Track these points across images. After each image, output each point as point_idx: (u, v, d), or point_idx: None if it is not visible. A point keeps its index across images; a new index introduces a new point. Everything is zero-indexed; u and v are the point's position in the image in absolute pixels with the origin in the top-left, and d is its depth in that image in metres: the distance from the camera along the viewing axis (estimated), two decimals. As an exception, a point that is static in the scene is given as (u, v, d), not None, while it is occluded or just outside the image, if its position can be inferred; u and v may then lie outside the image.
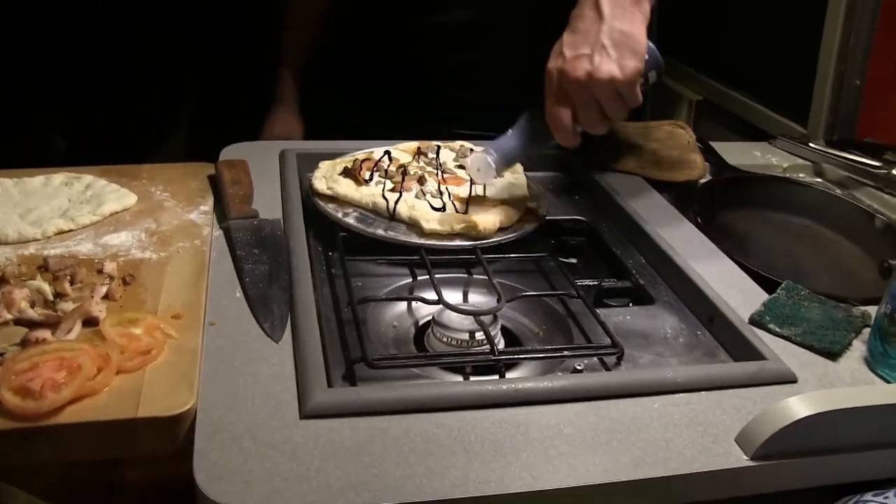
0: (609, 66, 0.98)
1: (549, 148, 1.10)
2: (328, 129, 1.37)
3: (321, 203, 1.08)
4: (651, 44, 1.04)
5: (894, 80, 1.51)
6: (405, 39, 1.47)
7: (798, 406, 0.74)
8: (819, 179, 1.46)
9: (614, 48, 0.99)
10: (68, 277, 0.89)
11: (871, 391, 0.83)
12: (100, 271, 0.92)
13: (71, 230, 1.03)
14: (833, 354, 0.90)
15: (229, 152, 1.25)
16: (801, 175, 1.46)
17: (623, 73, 0.99)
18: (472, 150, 1.22)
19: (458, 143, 1.24)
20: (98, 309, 0.83)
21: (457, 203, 1.06)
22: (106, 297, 0.88)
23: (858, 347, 0.92)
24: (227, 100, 2.01)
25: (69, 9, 1.91)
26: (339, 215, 1.06)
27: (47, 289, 0.87)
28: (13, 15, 1.78)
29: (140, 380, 0.75)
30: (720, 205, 1.25)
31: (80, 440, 0.71)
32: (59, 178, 1.15)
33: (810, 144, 1.50)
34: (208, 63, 2.08)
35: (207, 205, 1.10)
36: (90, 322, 0.83)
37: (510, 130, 1.09)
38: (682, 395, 0.81)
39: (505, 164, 1.09)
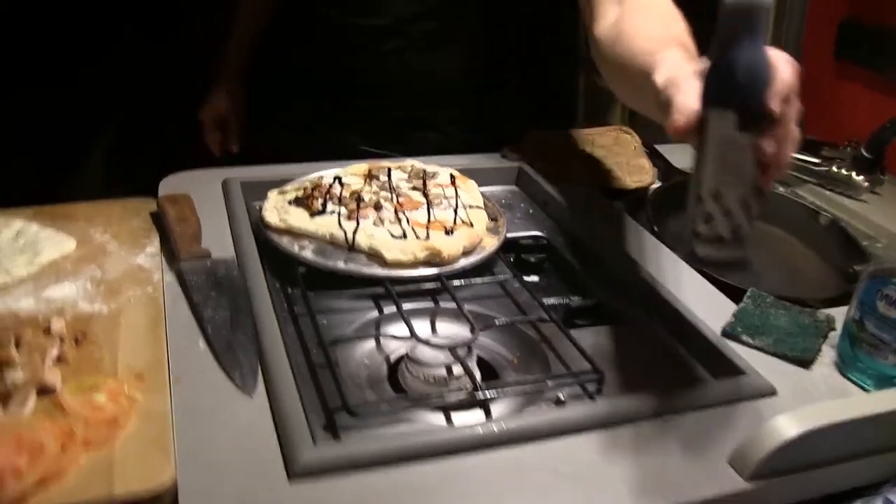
0: None
1: None
2: (269, 151, 1.35)
3: (274, 237, 1.03)
4: None
5: (827, 77, 1.54)
6: (344, 45, 1.44)
7: (788, 425, 0.74)
8: (762, 177, 1.46)
9: None
10: (13, 341, 0.82)
11: (854, 403, 0.83)
12: (47, 331, 0.84)
13: (6, 284, 0.95)
14: (806, 362, 0.91)
15: (169, 184, 1.19)
16: (744, 174, 1.46)
17: None
18: (424, 171, 1.18)
19: (408, 163, 1.21)
20: (52, 376, 0.77)
21: (416, 229, 1.03)
22: (58, 360, 0.81)
23: (827, 353, 0.93)
24: (153, 127, 2.02)
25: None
26: (296, 249, 1.01)
27: (-10, 357, 0.80)
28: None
29: (110, 453, 0.70)
30: (673, 210, 1.25)
31: (52, 529, 0.66)
32: (-15, 225, 1.07)
33: (752, 142, 1.50)
34: (138, 87, 2.04)
35: (153, 246, 1.04)
36: (44, 391, 0.76)
37: None
38: (669, 416, 0.80)
39: None
